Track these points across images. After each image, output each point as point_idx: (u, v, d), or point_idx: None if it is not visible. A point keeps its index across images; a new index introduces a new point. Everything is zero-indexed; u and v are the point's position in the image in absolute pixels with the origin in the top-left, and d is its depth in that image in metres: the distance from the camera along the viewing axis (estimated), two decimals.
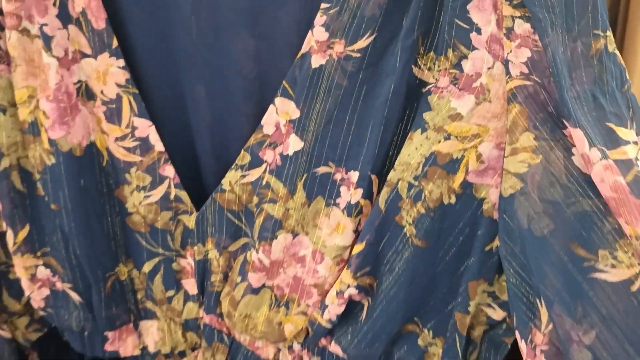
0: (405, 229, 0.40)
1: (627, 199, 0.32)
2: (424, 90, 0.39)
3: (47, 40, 0.41)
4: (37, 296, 0.48)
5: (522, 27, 0.35)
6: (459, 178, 0.39)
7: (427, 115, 0.39)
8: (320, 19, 0.38)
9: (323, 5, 0.38)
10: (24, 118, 0.43)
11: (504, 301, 0.42)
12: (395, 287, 0.42)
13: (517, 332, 0.39)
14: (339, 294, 0.42)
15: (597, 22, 0.35)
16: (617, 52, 0.35)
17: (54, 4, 0.40)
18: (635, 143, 0.35)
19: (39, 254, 0.47)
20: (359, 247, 0.41)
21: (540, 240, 0.36)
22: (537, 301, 0.37)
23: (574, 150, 0.35)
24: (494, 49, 0.36)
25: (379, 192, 0.41)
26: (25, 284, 0.48)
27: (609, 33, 0.35)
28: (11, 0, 0.41)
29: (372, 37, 0.38)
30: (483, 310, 0.43)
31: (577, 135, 0.34)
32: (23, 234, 0.46)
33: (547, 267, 0.35)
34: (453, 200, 0.39)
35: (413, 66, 0.38)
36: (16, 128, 0.43)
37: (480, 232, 0.40)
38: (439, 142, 0.38)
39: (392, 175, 0.40)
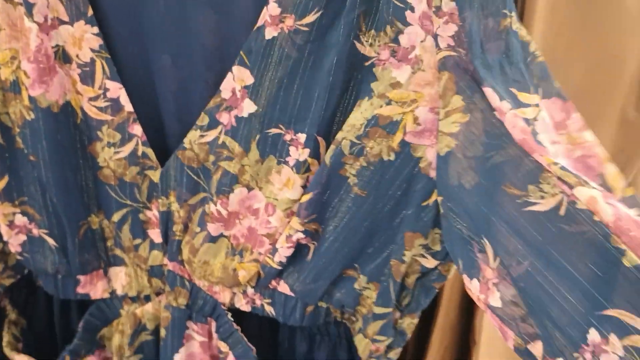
0: (348, 179, 0.47)
1: (532, 140, 0.39)
2: (367, 63, 0.45)
3: (29, 7, 0.46)
4: (14, 241, 0.54)
5: (448, 6, 0.41)
6: (397, 138, 0.45)
7: (373, 85, 0.45)
8: None
9: None
10: (5, 77, 0.48)
11: (436, 251, 0.49)
12: (338, 230, 0.48)
13: (465, 275, 0.44)
14: (288, 237, 0.49)
15: (505, 3, 0.41)
16: (521, 29, 0.42)
17: None
18: (537, 105, 0.41)
19: (17, 202, 0.52)
20: (306, 197, 0.47)
21: (471, 192, 0.42)
22: (483, 241, 0.42)
23: (488, 106, 0.41)
24: (425, 25, 0.42)
25: (326, 150, 0.47)
26: (3, 229, 0.53)
27: (514, 14, 0.41)
28: None
29: (319, 13, 0.43)
30: (417, 261, 0.49)
31: (488, 92, 0.41)
32: (2, 183, 0.51)
33: (484, 212, 0.42)
34: (392, 157, 0.46)
35: (356, 42, 0.44)
36: None
37: (417, 187, 0.46)
38: (381, 106, 0.45)
39: (338, 135, 0.46)
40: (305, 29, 0.44)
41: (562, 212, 0.38)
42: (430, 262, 0.49)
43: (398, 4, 0.42)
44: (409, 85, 0.44)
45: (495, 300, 0.42)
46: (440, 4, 0.41)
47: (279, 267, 0.50)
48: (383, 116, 0.45)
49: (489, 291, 0.43)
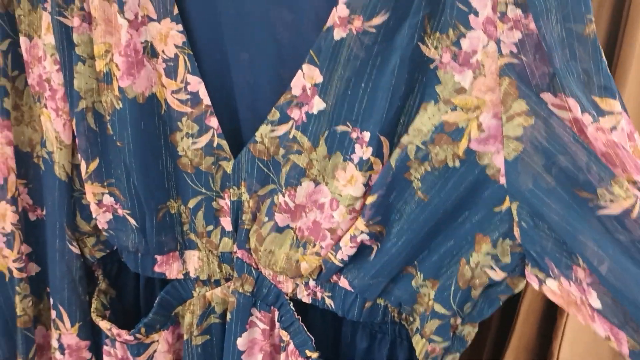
0: (413, 183, 0.49)
1: (620, 152, 0.41)
2: (432, 65, 0.46)
3: (121, 5, 0.51)
4: (102, 219, 0.60)
5: (514, 12, 0.42)
6: (462, 145, 0.46)
7: (438, 88, 0.46)
8: None
9: None
10: (100, 68, 0.54)
11: (505, 263, 0.49)
12: (401, 232, 0.51)
13: (561, 278, 0.46)
14: (352, 238, 0.51)
15: (588, 8, 0.41)
16: None
17: None
18: (619, 113, 0.42)
19: (105, 183, 0.58)
20: (371, 199, 0.49)
21: (546, 195, 0.44)
22: (567, 242, 0.44)
23: (557, 112, 0.42)
24: (488, 30, 0.43)
25: (390, 153, 0.49)
26: (93, 208, 0.59)
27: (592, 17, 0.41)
28: None
29: (387, 15, 0.45)
30: (485, 272, 0.50)
31: (570, 102, 0.41)
32: (93, 165, 0.57)
33: (561, 214, 0.43)
34: (457, 164, 0.47)
35: (420, 44, 0.45)
36: (92, 77, 0.54)
37: (486, 193, 0.47)
38: (447, 112, 0.46)
39: (404, 139, 0.48)
40: (373, 30, 0.46)
41: (634, 214, 0.40)
42: (498, 275, 0.49)
43: (462, 7, 0.43)
44: (472, 91, 0.45)
45: (595, 301, 0.44)
46: (506, 9, 0.42)
47: (341, 265, 0.53)
48: (449, 123, 0.46)
49: (586, 292, 0.44)
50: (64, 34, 0.54)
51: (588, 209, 0.42)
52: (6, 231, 0.62)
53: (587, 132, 0.42)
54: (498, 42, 0.43)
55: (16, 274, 0.63)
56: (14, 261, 0.63)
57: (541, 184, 0.44)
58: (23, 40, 0.57)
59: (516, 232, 0.47)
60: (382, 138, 0.48)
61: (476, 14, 0.43)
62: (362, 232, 0.50)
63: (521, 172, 0.44)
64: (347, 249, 0.51)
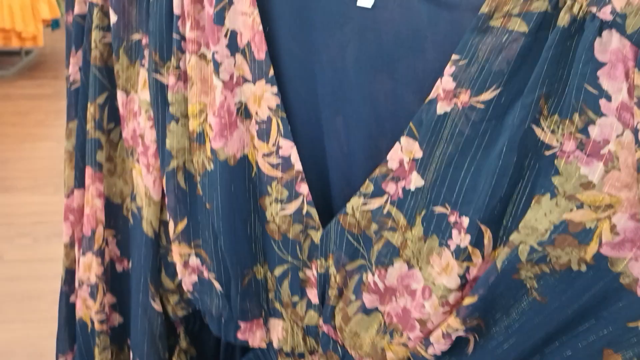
0: (525, 282, 0.43)
1: None
2: (548, 153, 0.41)
3: (217, 65, 0.50)
4: (187, 280, 0.59)
5: None
6: (591, 249, 0.41)
7: (556, 180, 0.41)
8: (449, 69, 0.43)
9: (454, 57, 0.43)
10: (193, 128, 0.53)
11: None
12: (509, 332, 0.45)
13: None
14: (446, 335, 0.46)
15: None
16: None
17: (225, 36, 0.50)
18: None
19: (192, 244, 0.57)
20: (470, 300, 0.45)
21: None
22: None
23: None
24: (623, 117, 0.38)
25: (494, 246, 0.44)
26: (179, 268, 0.58)
27: None
28: (194, 29, 0.51)
29: (497, 91, 0.41)
30: None
31: None
32: (182, 225, 0.56)
33: None
34: (584, 268, 0.42)
35: (535, 126, 0.41)
36: (185, 136, 0.54)
37: (620, 304, 0.42)
38: (571, 210, 0.41)
39: (514, 237, 0.43)
40: (481, 106, 0.42)
41: None
42: None
43: (591, 90, 0.38)
44: (603, 187, 0.39)
45: None
46: None
47: (433, 359, 0.48)
48: (574, 222, 0.41)
49: None
50: (159, 92, 0.54)
51: None
52: (91, 282, 0.63)
53: None
54: (635, 132, 0.37)
55: (97, 326, 0.64)
56: (95, 313, 0.63)
57: None
58: (120, 95, 0.58)
59: None
60: (483, 227, 0.43)
61: (609, 98, 0.38)
62: (456, 330, 0.45)
63: None
64: (439, 345, 0.47)
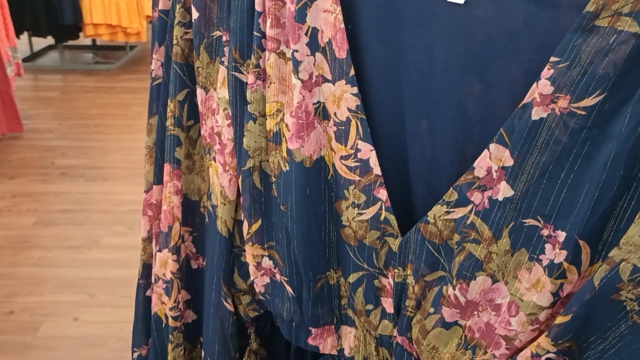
0: (625, 304, 0.39)
1: None
2: None
3: (296, 64, 0.48)
4: (259, 282, 0.57)
5: None
6: None
7: None
8: (547, 72, 0.39)
9: (553, 59, 0.39)
10: (270, 128, 0.51)
11: None
12: (605, 357, 0.41)
13: None
14: (535, 356, 0.42)
15: None
16: None
17: (306, 34, 0.47)
18: None
19: (265, 246, 0.55)
20: (563, 319, 0.41)
21: None
22: None
23: None
24: None
25: (591, 262, 0.40)
26: (251, 269, 0.57)
27: None
28: (274, 27, 0.49)
29: (602, 96, 0.37)
30: None
31: None
32: (256, 226, 0.55)
33: None
34: None
35: None
36: (262, 135, 0.52)
37: None
38: None
39: (614, 253, 0.39)
40: (582, 112, 0.38)
41: None
42: None
43: None
44: None
45: None
46: None
47: None
48: None
49: None
50: (238, 90, 0.52)
51: None
52: (166, 278, 0.62)
53: None
54: None
55: (171, 322, 0.63)
56: (170, 309, 0.63)
57: None
58: (199, 92, 0.56)
59: None
60: (582, 243, 0.39)
61: None
62: (548, 351, 0.41)
63: None
64: None
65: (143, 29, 4.46)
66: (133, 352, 0.73)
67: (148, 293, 0.71)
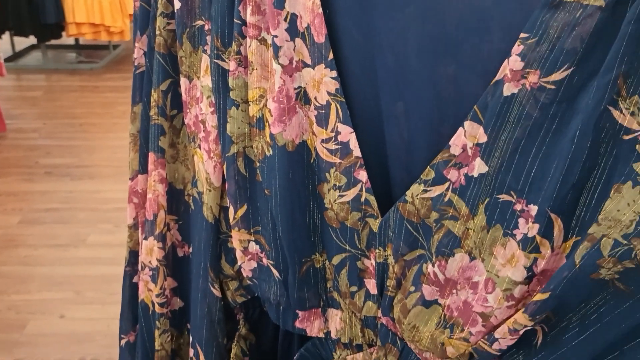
0: (603, 277, 0.40)
1: None
2: (627, 137, 0.38)
3: (276, 49, 0.49)
4: (246, 266, 0.59)
5: None
6: None
7: (637, 167, 0.38)
8: (517, 48, 0.40)
9: (522, 35, 0.40)
10: (253, 114, 0.53)
11: None
12: (586, 325, 0.43)
13: None
14: (513, 332, 0.44)
15: None
16: None
17: (285, 19, 0.49)
18: None
19: (252, 230, 0.57)
20: (541, 296, 0.42)
21: None
22: None
23: None
24: None
25: (565, 238, 0.41)
26: (238, 254, 0.58)
27: None
28: (254, 13, 0.50)
29: (569, 70, 0.39)
30: None
31: None
32: (241, 211, 0.56)
33: None
34: None
35: (612, 108, 0.38)
36: (245, 122, 0.53)
37: None
38: None
39: (594, 230, 0.40)
40: (552, 86, 0.39)
41: None
42: None
43: None
44: None
45: None
46: None
47: (498, 354, 0.46)
48: None
49: None
50: (220, 77, 0.53)
51: None
52: (152, 266, 0.64)
53: None
54: None
55: (157, 308, 0.65)
56: (156, 296, 0.64)
57: None
58: (183, 81, 0.58)
59: None
60: (553, 216, 0.41)
61: None
62: (524, 326, 0.43)
63: None
64: (505, 341, 0.44)
65: (126, 28, 4.47)
66: (120, 338, 0.74)
67: (135, 280, 0.72)
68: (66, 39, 4.77)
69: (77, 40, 5.06)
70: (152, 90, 0.60)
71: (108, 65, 4.79)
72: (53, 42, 4.63)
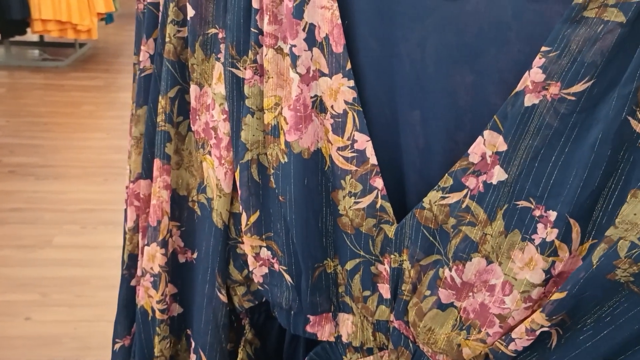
0: (619, 279, 0.43)
1: None
2: None
3: (294, 59, 0.51)
4: (258, 272, 0.60)
5: None
6: None
7: None
8: (538, 61, 0.42)
9: (544, 48, 0.42)
10: (268, 121, 0.54)
11: None
12: (600, 326, 0.45)
13: None
14: (530, 331, 0.46)
15: None
16: None
17: (304, 29, 0.50)
18: None
19: (264, 236, 0.58)
20: (558, 296, 0.44)
21: None
22: None
23: None
24: None
25: (581, 241, 0.43)
26: (250, 260, 0.59)
27: None
28: (272, 23, 0.51)
29: (590, 82, 0.41)
30: None
31: None
32: (254, 217, 0.57)
33: None
34: None
35: (630, 118, 0.40)
36: (260, 129, 0.54)
37: None
38: None
39: (612, 232, 0.42)
40: (572, 98, 0.41)
41: None
42: None
43: None
44: None
45: None
46: None
47: (514, 355, 0.48)
48: None
49: None
50: (234, 85, 0.54)
51: None
52: (154, 272, 0.64)
53: None
54: None
55: (158, 315, 0.65)
56: (157, 302, 0.65)
57: None
58: (193, 88, 0.58)
59: None
60: (572, 221, 0.43)
61: None
62: (542, 326, 0.45)
63: None
64: (522, 342, 0.47)
65: (94, 27, 4.41)
66: (115, 342, 0.74)
67: (132, 283, 0.72)
68: (30, 36, 4.69)
69: (41, 37, 4.97)
70: (160, 97, 0.61)
71: (74, 64, 4.72)
72: (17, 38, 4.55)
